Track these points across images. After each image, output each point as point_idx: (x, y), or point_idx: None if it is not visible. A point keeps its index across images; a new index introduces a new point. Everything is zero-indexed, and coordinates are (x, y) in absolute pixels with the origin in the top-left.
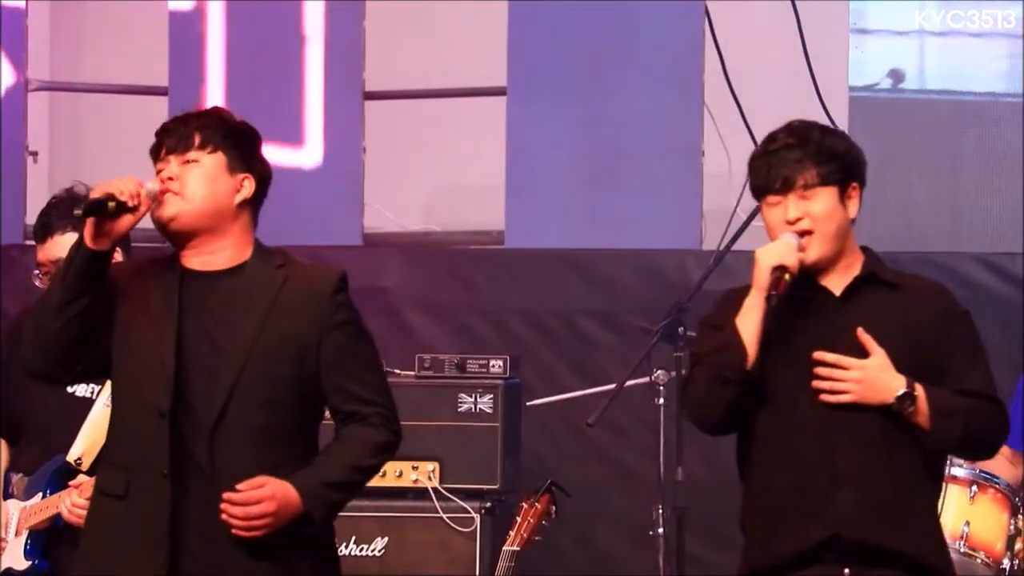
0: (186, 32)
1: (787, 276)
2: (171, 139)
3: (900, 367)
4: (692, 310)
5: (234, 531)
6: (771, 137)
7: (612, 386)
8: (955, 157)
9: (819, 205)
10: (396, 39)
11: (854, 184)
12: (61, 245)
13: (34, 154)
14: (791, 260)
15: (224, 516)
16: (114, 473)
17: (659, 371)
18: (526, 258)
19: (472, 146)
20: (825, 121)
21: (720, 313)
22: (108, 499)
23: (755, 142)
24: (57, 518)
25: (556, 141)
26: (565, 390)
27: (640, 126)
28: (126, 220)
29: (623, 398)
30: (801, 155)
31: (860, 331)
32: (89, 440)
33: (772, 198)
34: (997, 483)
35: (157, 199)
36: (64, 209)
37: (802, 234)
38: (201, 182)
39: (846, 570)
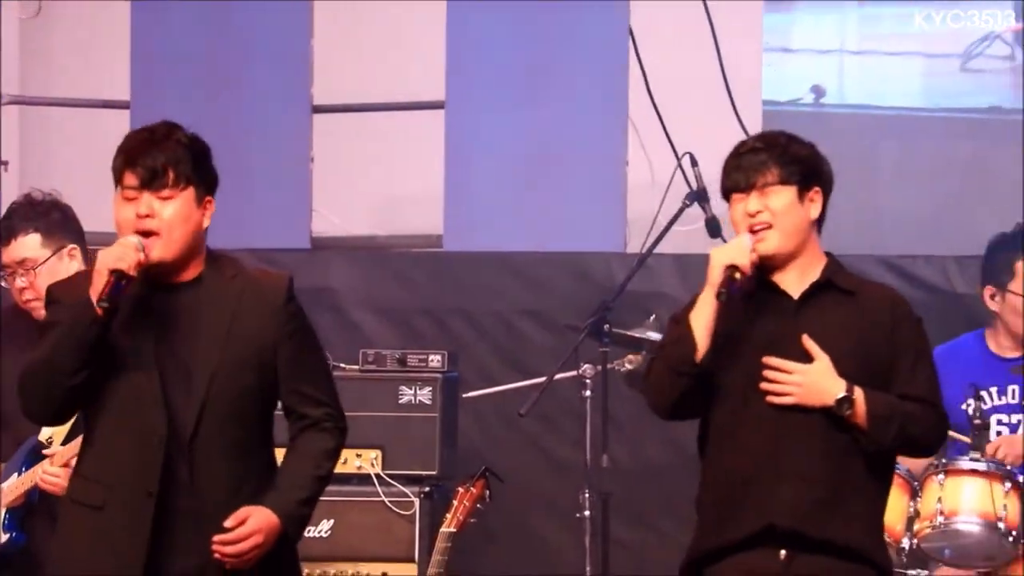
0: (147, 46)
1: (738, 275)
2: (143, 173)
3: (847, 371)
4: (616, 309)
5: (229, 567)
6: (742, 143)
7: (542, 379)
8: (871, 168)
9: (777, 201)
10: (342, 56)
11: (816, 188)
12: (25, 246)
13: (5, 163)
14: (742, 259)
15: (217, 556)
16: (91, 486)
17: (586, 365)
18: (463, 260)
19: (413, 156)
20: (740, 133)
21: (684, 310)
22: (82, 508)
23: (676, 153)
24: (31, 492)
25: (491, 152)
26: (499, 383)
27: (570, 138)
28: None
29: (552, 390)
30: (765, 157)
31: (805, 338)
32: None
33: (737, 196)
34: (898, 470)
35: (143, 249)
36: (24, 213)
37: (761, 228)
38: (178, 221)
39: (782, 552)
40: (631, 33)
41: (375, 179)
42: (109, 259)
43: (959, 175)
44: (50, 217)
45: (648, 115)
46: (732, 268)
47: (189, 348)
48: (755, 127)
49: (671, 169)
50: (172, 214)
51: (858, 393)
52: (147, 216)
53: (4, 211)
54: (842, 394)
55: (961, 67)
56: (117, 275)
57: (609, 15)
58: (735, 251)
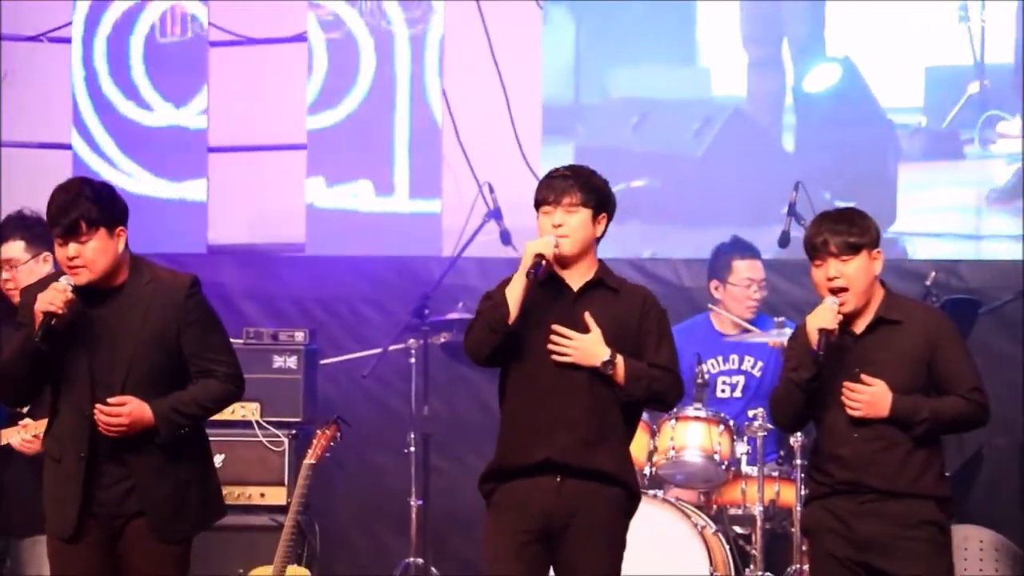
0: (88, 102)
1: (543, 262)
2: (62, 230)
3: (610, 343)
4: (434, 298)
5: (100, 428)
6: (555, 169)
7: (379, 350)
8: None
9: (576, 219)
10: (232, 108)
11: (603, 214)
12: (12, 249)
13: None
14: (547, 251)
15: (95, 417)
16: (54, 444)
17: (411, 339)
18: (320, 262)
19: (283, 184)
20: (525, 169)
21: (498, 287)
22: (51, 460)
23: (478, 183)
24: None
25: (343, 182)
26: (347, 352)
27: (397, 173)
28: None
29: (387, 358)
30: (573, 183)
31: (586, 315)
32: None
33: (546, 208)
34: (644, 417)
35: (72, 282)
36: (15, 224)
37: (561, 236)
38: (97, 254)
39: (558, 478)
40: (444, 94)
41: (254, 201)
42: (42, 304)
43: None
44: (34, 229)
45: (457, 155)
46: (540, 256)
47: (113, 337)
48: (536, 164)
49: (474, 194)
50: (91, 250)
51: (619, 358)
52: (74, 257)
53: None
54: (607, 357)
55: None
56: (49, 317)
57: (427, 81)
58: (543, 245)
